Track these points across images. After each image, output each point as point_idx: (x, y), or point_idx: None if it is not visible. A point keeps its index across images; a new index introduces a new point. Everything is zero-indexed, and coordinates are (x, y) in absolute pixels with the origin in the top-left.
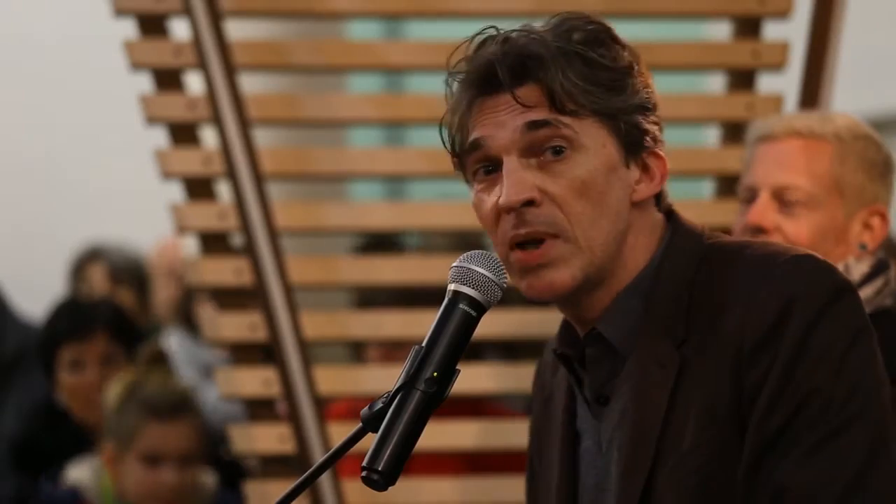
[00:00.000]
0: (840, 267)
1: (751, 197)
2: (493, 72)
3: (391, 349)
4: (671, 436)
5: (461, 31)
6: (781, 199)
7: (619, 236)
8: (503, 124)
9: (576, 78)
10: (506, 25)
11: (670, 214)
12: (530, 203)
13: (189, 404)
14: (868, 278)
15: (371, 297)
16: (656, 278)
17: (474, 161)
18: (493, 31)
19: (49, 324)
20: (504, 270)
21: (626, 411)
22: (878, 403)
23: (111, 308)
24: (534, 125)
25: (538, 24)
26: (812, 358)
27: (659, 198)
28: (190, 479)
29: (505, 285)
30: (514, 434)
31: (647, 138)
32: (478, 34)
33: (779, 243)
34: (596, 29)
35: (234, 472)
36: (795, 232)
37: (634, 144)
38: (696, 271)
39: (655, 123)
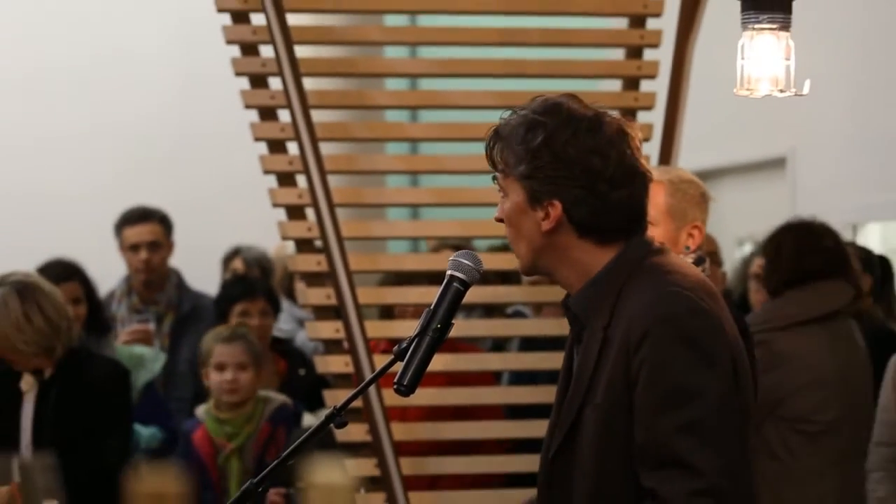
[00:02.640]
0: None
1: None
2: None
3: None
4: (593, 389)
5: (456, 117)
6: None
7: (540, 250)
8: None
9: (504, 152)
10: (481, 116)
11: (636, 238)
12: (501, 220)
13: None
14: None
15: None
16: (603, 278)
17: None
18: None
19: (225, 289)
20: (482, 262)
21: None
22: (718, 386)
23: (267, 283)
24: (494, 177)
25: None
26: (667, 360)
27: (604, 229)
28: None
29: (482, 271)
30: (476, 362)
31: (548, 192)
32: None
33: (680, 276)
34: (527, 118)
35: (320, 384)
36: None
37: (535, 198)
38: (627, 279)
39: (555, 184)
